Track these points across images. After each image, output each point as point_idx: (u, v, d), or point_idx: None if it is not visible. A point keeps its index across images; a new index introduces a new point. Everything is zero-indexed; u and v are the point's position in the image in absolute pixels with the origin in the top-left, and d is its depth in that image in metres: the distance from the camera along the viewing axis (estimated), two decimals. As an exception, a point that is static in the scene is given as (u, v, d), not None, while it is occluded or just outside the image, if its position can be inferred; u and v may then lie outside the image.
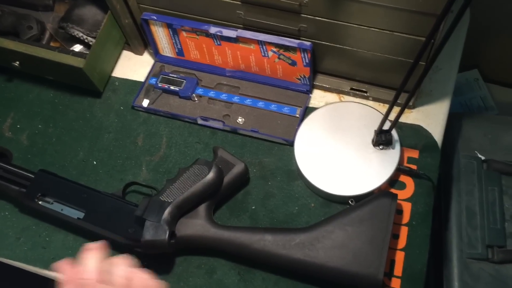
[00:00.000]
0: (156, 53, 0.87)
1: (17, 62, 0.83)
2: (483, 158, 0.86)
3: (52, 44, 0.90)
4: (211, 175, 0.70)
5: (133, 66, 0.89)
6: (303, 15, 0.70)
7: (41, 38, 0.89)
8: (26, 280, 0.83)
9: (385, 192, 0.71)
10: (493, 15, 1.07)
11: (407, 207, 0.73)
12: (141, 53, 0.90)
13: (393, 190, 0.74)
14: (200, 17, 0.79)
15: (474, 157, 0.86)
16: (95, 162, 0.81)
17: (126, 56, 0.90)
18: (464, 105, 1.18)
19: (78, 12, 0.84)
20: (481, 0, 0.91)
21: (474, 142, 0.88)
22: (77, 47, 0.88)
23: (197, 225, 0.69)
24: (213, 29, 0.77)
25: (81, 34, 0.84)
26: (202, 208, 0.70)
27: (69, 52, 0.80)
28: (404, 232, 0.71)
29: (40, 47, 0.81)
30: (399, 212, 0.72)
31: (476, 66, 1.20)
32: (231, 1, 0.73)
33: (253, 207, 0.75)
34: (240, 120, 0.80)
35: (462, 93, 1.19)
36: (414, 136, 0.77)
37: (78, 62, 0.78)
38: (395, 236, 0.71)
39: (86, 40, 0.84)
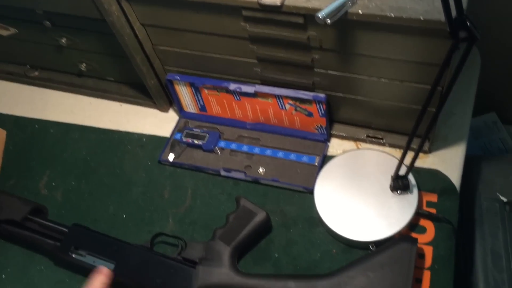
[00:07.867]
0: (180, 110, 0.92)
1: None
2: (505, 200, 0.86)
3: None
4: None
5: (159, 123, 0.95)
6: (316, 69, 0.75)
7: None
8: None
9: (405, 236, 0.72)
10: (505, 59, 1.09)
11: (428, 251, 0.73)
12: (166, 110, 0.96)
13: (413, 234, 0.74)
14: (220, 75, 0.84)
15: (496, 199, 0.86)
16: (124, 215, 0.85)
17: (153, 114, 0.96)
18: (484, 148, 1.18)
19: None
20: (491, 46, 0.94)
21: (495, 184, 0.88)
22: None
23: (221, 273, 0.71)
24: (232, 86, 0.82)
25: None
26: (226, 257, 0.73)
27: None
28: (427, 276, 0.71)
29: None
30: (421, 256, 0.73)
31: (494, 109, 1.21)
32: (249, 60, 0.78)
33: (276, 255, 0.77)
34: (261, 170, 0.84)
35: (481, 136, 1.20)
36: (431, 180, 0.78)
37: None
38: (418, 280, 0.71)
39: None
